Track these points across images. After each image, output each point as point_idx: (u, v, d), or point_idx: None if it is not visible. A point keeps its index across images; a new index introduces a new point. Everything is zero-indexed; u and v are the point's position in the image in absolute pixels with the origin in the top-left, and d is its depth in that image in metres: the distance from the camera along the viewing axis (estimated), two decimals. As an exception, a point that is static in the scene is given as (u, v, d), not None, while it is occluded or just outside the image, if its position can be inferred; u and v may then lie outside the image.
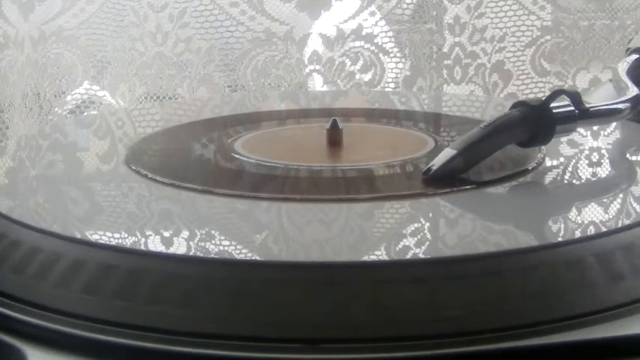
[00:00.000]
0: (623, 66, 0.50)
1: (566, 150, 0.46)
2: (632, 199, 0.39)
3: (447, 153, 0.40)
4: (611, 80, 0.51)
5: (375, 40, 0.72)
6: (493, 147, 0.41)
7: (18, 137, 0.62)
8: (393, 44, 0.74)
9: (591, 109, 0.42)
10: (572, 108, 0.42)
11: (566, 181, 0.42)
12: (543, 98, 0.41)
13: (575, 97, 0.42)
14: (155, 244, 0.34)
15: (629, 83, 0.47)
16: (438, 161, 0.40)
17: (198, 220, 0.38)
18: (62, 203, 0.41)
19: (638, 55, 0.52)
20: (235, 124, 0.53)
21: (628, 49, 0.55)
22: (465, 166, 0.40)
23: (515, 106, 0.42)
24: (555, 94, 0.42)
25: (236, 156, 0.45)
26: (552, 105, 0.41)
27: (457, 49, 0.74)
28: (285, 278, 0.31)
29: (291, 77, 0.71)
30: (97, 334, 0.30)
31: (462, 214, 0.38)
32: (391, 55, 0.73)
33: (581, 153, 0.47)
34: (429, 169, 0.40)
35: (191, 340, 0.30)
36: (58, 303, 0.32)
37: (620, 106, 0.45)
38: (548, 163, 0.43)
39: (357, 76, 0.73)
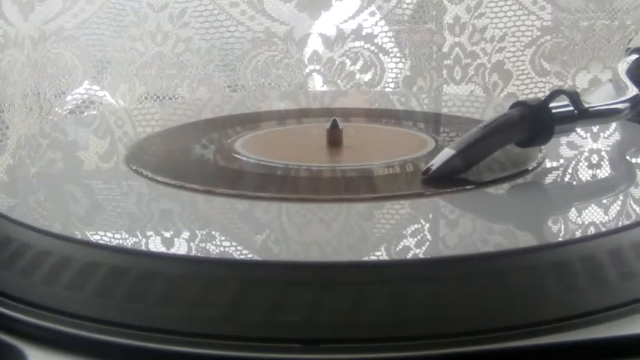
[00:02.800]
0: (622, 66, 0.50)
1: (566, 150, 0.46)
2: (631, 200, 0.39)
3: (446, 153, 0.40)
4: (611, 80, 0.51)
5: (375, 40, 0.72)
6: (492, 147, 0.41)
7: (18, 137, 0.62)
8: (393, 44, 0.74)
9: (590, 109, 0.43)
10: (572, 108, 0.42)
11: (566, 182, 0.42)
12: (543, 98, 0.41)
13: (575, 97, 0.42)
14: (155, 245, 0.34)
15: (629, 83, 0.47)
16: (437, 161, 0.40)
17: (198, 220, 0.38)
18: (62, 203, 0.41)
19: (638, 55, 0.52)
20: (235, 124, 0.53)
21: (628, 49, 0.55)
22: (464, 166, 0.40)
23: (514, 106, 0.42)
24: (554, 94, 0.42)
25: (236, 156, 0.45)
26: (551, 105, 0.41)
27: (457, 49, 0.74)
28: (285, 278, 0.31)
29: (291, 77, 0.71)
30: (97, 334, 0.30)
31: (462, 214, 0.38)
32: (391, 55, 0.73)
33: (581, 154, 0.47)
34: (429, 169, 0.40)
35: (191, 340, 0.30)
36: (59, 303, 0.32)
37: (619, 106, 0.45)
38: (547, 163, 0.43)
39: (357, 76, 0.73)
